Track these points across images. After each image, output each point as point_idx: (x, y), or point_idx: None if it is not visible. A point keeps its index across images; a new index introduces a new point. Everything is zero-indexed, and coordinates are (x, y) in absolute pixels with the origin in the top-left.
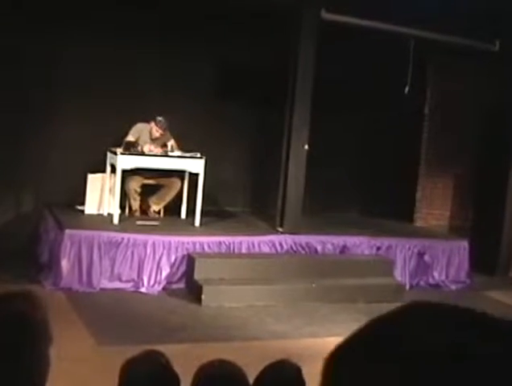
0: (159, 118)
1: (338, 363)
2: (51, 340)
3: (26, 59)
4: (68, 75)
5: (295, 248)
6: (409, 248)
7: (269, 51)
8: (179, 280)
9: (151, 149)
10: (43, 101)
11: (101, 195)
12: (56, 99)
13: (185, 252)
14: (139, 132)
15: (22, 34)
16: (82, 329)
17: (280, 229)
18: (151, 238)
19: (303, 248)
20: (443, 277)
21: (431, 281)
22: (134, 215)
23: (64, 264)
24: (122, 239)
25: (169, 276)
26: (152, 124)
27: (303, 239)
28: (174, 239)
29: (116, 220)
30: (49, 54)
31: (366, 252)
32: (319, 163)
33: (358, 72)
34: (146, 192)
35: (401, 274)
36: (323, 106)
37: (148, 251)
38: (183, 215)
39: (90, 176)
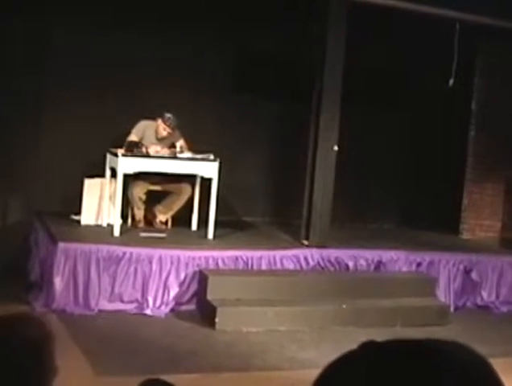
0: (167, 114)
1: None
2: (56, 372)
3: (15, 45)
4: (61, 66)
5: (322, 263)
6: (454, 265)
7: (292, 38)
8: (190, 300)
9: (158, 151)
10: (33, 96)
11: (100, 202)
12: (48, 93)
13: (196, 269)
14: (144, 130)
15: (10, 22)
16: (78, 357)
17: (306, 242)
18: (157, 252)
19: (331, 264)
20: (493, 298)
21: (479, 301)
22: (137, 226)
23: (57, 282)
24: (124, 253)
25: (178, 296)
26: (159, 121)
27: (331, 253)
28: (183, 253)
29: (117, 232)
30: (40, 43)
31: (404, 268)
32: (350, 167)
33: (394, 63)
34: (152, 200)
35: (444, 294)
36: (353, 101)
37: (154, 267)
38: (194, 226)
39: (87, 181)
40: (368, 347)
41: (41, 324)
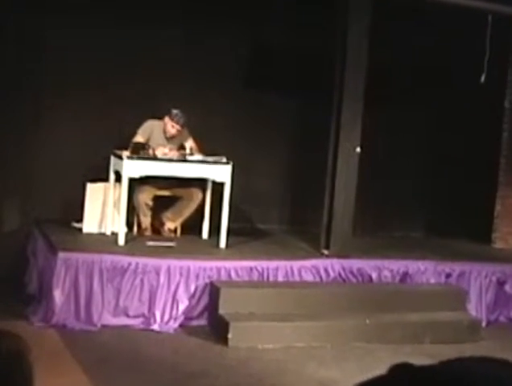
0: (175, 111)
1: None
2: None
3: (7, 39)
4: (60, 59)
5: (344, 275)
6: (486, 276)
7: (312, 29)
8: (200, 315)
9: (166, 153)
10: (31, 92)
11: (103, 209)
12: (47, 89)
13: (207, 281)
14: (150, 131)
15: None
16: (79, 376)
17: (326, 252)
18: (166, 263)
19: (354, 276)
20: None
21: None
22: (144, 234)
23: (57, 295)
24: (129, 264)
25: (187, 310)
26: (166, 119)
27: (354, 264)
28: (193, 264)
29: (121, 241)
30: (37, 32)
31: (433, 280)
32: (373, 169)
33: (421, 57)
34: (160, 206)
35: (476, 308)
36: (377, 99)
37: (162, 279)
38: (205, 234)
39: (89, 186)
40: (400, 373)
41: (16, 337)
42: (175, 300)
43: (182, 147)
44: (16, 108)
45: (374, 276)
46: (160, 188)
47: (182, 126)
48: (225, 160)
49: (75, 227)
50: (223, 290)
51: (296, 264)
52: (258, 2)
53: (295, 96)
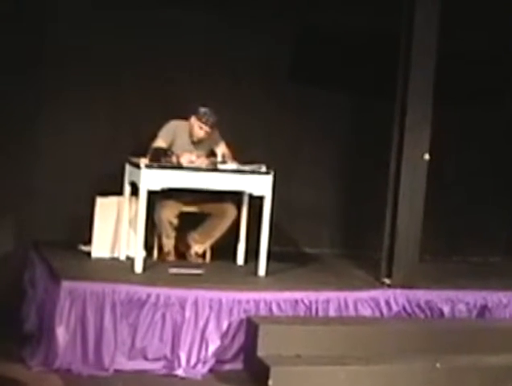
0: (203, 109)
1: None
2: None
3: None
4: (65, 54)
5: (409, 309)
6: None
7: (371, 12)
8: (235, 357)
9: (192, 160)
10: (30, 88)
11: (116, 229)
12: (50, 88)
13: (243, 316)
14: (174, 133)
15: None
16: None
17: (387, 281)
18: (192, 294)
19: (421, 310)
20: None
21: None
22: (166, 259)
23: (61, 333)
24: (149, 296)
25: (219, 351)
26: (193, 119)
27: (421, 295)
28: (226, 295)
29: (139, 268)
30: (39, 28)
31: None
32: (443, 181)
33: (499, 48)
34: (185, 225)
35: None
36: (448, 96)
37: (188, 314)
38: (241, 259)
39: (100, 200)
40: None
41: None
42: (203, 339)
43: (212, 153)
44: (9, 107)
45: (446, 310)
46: (186, 203)
47: (212, 128)
48: (264, 169)
49: (82, 251)
50: (262, 327)
51: (351, 295)
52: None
53: (350, 93)
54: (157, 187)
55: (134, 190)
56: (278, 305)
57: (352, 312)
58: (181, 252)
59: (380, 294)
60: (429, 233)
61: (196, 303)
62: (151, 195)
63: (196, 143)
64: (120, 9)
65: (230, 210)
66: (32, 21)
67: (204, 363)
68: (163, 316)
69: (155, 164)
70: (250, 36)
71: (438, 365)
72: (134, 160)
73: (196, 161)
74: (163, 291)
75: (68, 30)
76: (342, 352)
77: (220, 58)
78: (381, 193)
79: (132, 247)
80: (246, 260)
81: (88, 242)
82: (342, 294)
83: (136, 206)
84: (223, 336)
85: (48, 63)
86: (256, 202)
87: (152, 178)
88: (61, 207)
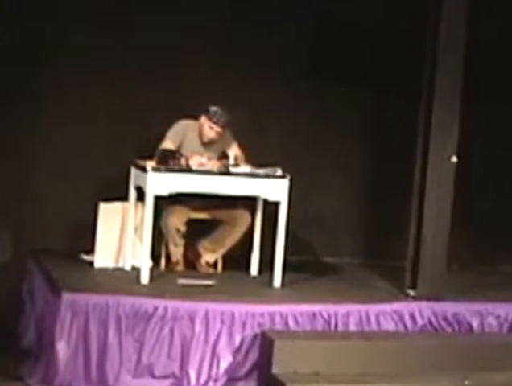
0: (213, 108)
1: None
2: None
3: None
4: (67, 49)
5: (435, 322)
6: None
7: (393, 6)
8: (248, 375)
9: (203, 163)
10: (28, 85)
11: (121, 236)
12: (49, 86)
13: (257, 330)
14: (183, 134)
15: None
16: None
17: (412, 292)
18: (203, 307)
19: (448, 324)
20: None
21: None
22: (174, 269)
23: (61, 348)
24: (156, 308)
25: (231, 368)
26: (203, 118)
27: (448, 308)
28: (239, 308)
29: (145, 278)
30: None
31: None
32: (472, 186)
33: None
34: (195, 233)
35: None
36: (477, 94)
37: (198, 328)
38: (255, 269)
39: (103, 206)
40: None
41: None
42: (215, 355)
43: (224, 156)
44: (7, 108)
45: (475, 324)
46: (195, 210)
47: (223, 128)
48: (280, 173)
49: (84, 261)
50: (278, 343)
51: (373, 308)
52: None
53: (373, 91)
54: (164, 192)
55: (140, 196)
56: (295, 318)
57: (374, 326)
58: (191, 262)
59: (404, 307)
60: (456, 241)
61: (206, 316)
62: (158, 200)
63: (207, 144)
64: (123, 5)
65: (243, 216)
66: (32, 21)
67: (216, 380)
68: (172, 330)
69: (163, 167)
70: (266, 31)
71: (466, 383)
72: (140, 163)
73: (206, 164)
74: (172, 303)
75: (68, 30)
76: (363, 369)
77: (232, 55)
78: (405, 198)
79: (138, 256)
80: (260, 271)
81: (91, 251)
82: (363, 307)
83: (142, 212)
84: (235, 352)
85: (48, 63)
86: (271, 208)
87: (159, 183)
88: (61, 214)
